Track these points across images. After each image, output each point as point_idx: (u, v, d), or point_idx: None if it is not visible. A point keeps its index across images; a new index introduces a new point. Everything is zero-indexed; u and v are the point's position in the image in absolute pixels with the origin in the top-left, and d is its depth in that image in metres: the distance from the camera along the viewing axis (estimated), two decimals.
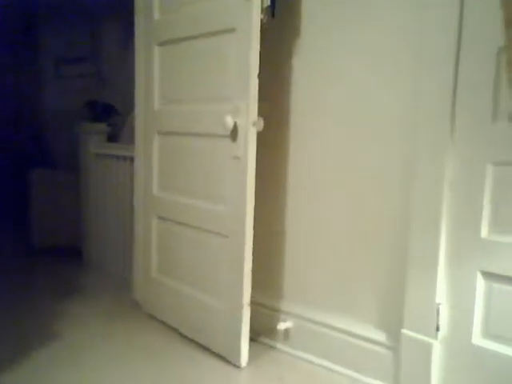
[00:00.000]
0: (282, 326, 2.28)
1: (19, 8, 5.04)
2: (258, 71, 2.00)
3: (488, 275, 1.70)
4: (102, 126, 3.62)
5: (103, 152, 3.51)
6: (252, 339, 2.19)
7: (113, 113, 3.79)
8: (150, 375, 2.04)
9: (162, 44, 2.53)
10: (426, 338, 1.82)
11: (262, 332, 2.35)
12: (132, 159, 2.95)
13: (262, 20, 1.98)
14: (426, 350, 1.81)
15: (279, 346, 2.30)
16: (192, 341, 2.34)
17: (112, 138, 3.68)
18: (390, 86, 1.92)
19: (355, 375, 2.04)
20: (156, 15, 2.56)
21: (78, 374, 2.04)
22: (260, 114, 2.04)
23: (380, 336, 1.99)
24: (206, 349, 2.26)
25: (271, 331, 2.33)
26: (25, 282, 3.23)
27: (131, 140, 2.93)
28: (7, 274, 3.37)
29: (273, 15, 2.11)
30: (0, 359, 2.12)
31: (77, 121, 3.73)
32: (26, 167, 4.05)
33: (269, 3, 2.00)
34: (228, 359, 2.15)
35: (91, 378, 2.01)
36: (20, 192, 4.25)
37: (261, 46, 1.99)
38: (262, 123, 2.07)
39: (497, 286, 1.69)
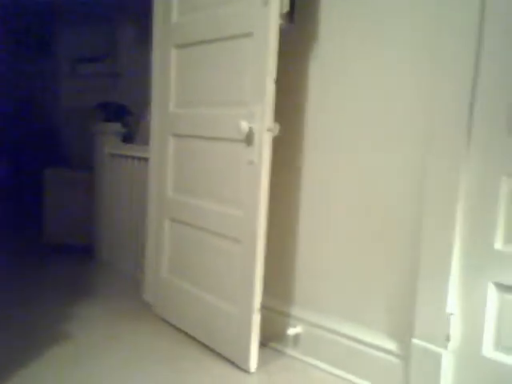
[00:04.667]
0: (292, 331, 2.28)
1: (35, 6, 5.09)
2: (274, 76, 2.01)
3: (501, 287, 1.69)
4: (117, 127, 3.64)
5: (118, 152, 3.54)
6: (262, 344, 2.19)
7: (126, 113, 3.82)
8: (157, 378, 2.05)
9: (179, 47, 2.54)
10: (436, 348, 1.81)
11: (272, 337, 2.36)
12: (146, 160, 2.97)
13: (280, 25, 1.99)
14: (436, 360, 1.81)
15: (289, 351, 2.30)
16: (201, 344, 2.35)
17: (126, 138, 3.70)
18: (406, 97, 1.92)
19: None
20: (174, 18, 2.57)
21: (87, 375, 2.05)
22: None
23: (390, 345, 1.98)
24: (215, 353, 2.27)
25: (281, 336, 2.33)
26: (36, 280, 3.25)
27: (146, 141, 2.95)
28: (18, 272, 3.40)
29: (292, 21, 2.11)
30: (10, 360, 2.14)
31: (91, 121, 3.77)
32: (41, 165, 4.08)
33: (288, 9, 2.00)
34: (237, 364, 2.15)
35: (99, 380, 2.02)
36: (34, 190, 4.29)
37: (278, 51, 2.00)
38: (277, 128, 2.08)
39: (510, 297, 1.68)
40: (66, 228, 3.88)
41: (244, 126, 2.06)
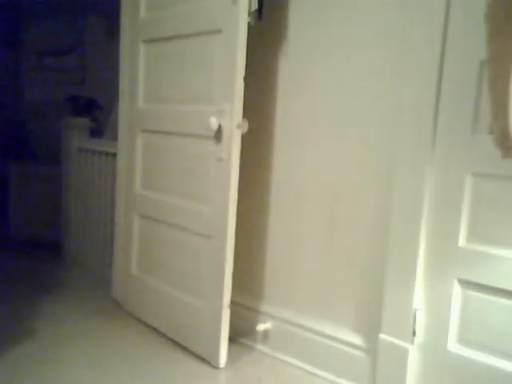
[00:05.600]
0: (261, 327, 2.29)
1: None
2: (243, 74, 2.00)
3: (464, 283, 1.73)
4: (85, 121, 3.59)
5: (86, 147, 3.49)
6: (231, 340, 2.20)
7: (95, 108, 3.76)
8: (126, 375, 2.04)
9: (147, 42, 2.51)
10: (402, 343, 1.85)
11: (242, 333, 2.37)
12: (115, 155, 2.94)
13: (249, 23, 1.98)
14: (402, 354, 1.84)
15: (258, 347, 2.32)
16: (171, 340, 2.35)
17: (94, 132, 3.65)
18: (374, 95, 1.94)
19: (333, 378, 2.06)
20: (142, 12, 2.54)
21: (53, 373, 2.03)
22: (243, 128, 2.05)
23: (358, 340, 2.02)
24: (185, 349, 2.27)
25: (251, 332, 2.34)
26: (2, 276, 3.19)
27: (115, 136, 2.92)
28: None
29: (260, 18, 2.11)
30: None
31: (59, 115, 3.70)
32: (6, 159, 4.00)
33: (256, 7, 2.00)
34: (207, 360, 2.16)
35: (66, 377, 2.00)
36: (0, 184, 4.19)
37: (247, 48, 1.99)
38: (246, 125, 2.08)
39: (473, 293, 1.72)
40: (34, 223, 3.82)
41: (213, 122, 2.05)
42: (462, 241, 1.72)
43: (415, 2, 1.77)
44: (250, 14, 1.97)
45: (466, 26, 1.67)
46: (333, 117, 2.07)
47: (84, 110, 3.72)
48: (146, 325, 2.51)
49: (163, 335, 2.40)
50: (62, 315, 2.61)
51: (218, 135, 2.08)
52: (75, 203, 3.59)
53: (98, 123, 3.66)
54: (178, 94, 2.34)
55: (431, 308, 1.81)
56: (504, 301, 1.65)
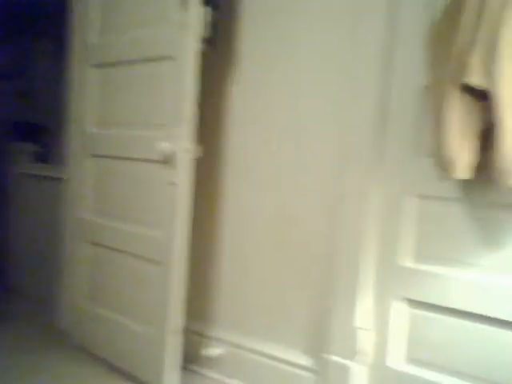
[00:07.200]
0: (212, 352, 2.27)
1: None
2: (194, 99, 2.03)
3: (409, 301, 1.79)
4: (29, 146, 3.51)
5: (29, 172, 3.40)
6: (183, 367, 2.16)
7: (41, 132, 3.68)
8: None
9: (97, 66, 2.50)
10: (346, 362, 1.88)
11: (193, 359, 2.33)
12: (60, 180, 2.88)
13: (201, 49, 2.02)
14: (348, 373, 1.88)
15: (209, 373, 2.29)
16: (120, 371, 2.28)
17: (41, 157, 3.57)
18: (321, 118, 2.01)
19: None
20: (92, 37, 2.53)
21: None
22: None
23: (307, 361, 2.03)
24: (134, 378, 2.21)
25: (202, 358, 2.32)
26: None
27: (61, 161, 2.86)
28: None
29: (214, 45, 2.15)
30: None
31: (3, 140, 3.60)
32: None
33: (210, 34, 2.04)
34: None
35: None
36: None
37: (202, 75, 2.02)
38: (199, 150, 2.10)
39: (419, 312, 1.78)
40: None
41: (164, 147, 2.06)
42: (408, 261, 1.78)
43: (361, 28, 1.86)
44: (203, 41, 2.01)
45: (411, 53, 1.76)
46: (284, 142, 2.12)
47: (28, 135, 3.63)
48: (95, 355, 2.43)
49: (112, 365, 2.33)
50: (5, 348, 2.49)
51: (169, 160, 2.08)
52: (18, 230, 3.47)
53: (44, 148, 3.58)
54: (129, 118, 2.33)
55: (380, 327, 1.85)
56: (448, 319, 1.72)
